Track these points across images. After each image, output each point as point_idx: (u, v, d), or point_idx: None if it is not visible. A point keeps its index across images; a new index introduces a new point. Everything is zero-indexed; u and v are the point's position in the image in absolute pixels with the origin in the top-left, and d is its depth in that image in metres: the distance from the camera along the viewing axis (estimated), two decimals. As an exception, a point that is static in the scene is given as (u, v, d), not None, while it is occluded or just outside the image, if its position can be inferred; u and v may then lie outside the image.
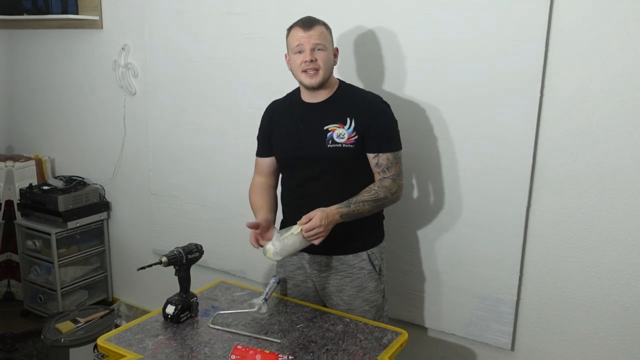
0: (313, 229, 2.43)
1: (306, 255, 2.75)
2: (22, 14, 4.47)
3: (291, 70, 2.65)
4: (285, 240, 2.48)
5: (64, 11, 4.34)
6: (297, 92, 2.77)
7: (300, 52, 2.56)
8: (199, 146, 3.98)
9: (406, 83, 3.08)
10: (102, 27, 4.38)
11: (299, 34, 2.55)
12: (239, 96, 3.72)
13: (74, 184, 4.60)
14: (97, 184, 4.70)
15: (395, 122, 2.69)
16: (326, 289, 2.78)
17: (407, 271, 3.26)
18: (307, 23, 2.56)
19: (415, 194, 3.16)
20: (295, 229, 2.49)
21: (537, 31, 2.71)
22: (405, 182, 3.06)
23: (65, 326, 3.63)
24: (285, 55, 2.67)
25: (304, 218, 2.46)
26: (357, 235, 2.70)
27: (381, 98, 2.72)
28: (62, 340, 3.53)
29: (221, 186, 3.93)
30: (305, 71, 2.57)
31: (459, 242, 3.11)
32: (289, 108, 2.77)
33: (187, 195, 4.12)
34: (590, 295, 2.84)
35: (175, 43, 3.95)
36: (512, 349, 3.08)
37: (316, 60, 2.54)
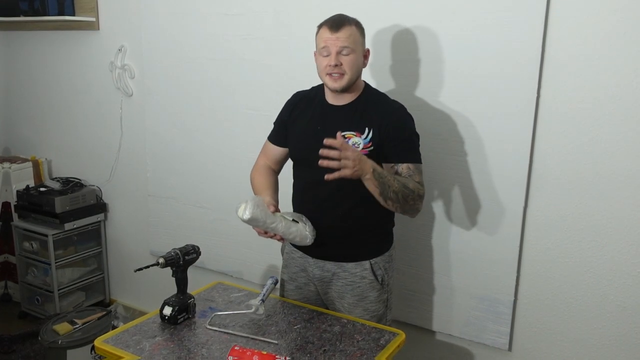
0: (350, 153, 2.27)
1: (310, 259, 2.73)
2: (18, 16, 4.47)
3: (317, 69, 2.56)
4: (264, 213, 2.46)
5: (61, 12, 4.33)
6: (321, 88, 2.69)
7: (326, 54, 2.48)
8: (196, 147, 3.98)
9: (407, 87, 3.08)
10: (98, 29, 4.38)
11: (325, 34, 2.46)
12: (236, 97, 3.71)
13: (71, 185, 4.60)
14: (94, 185, 4.69)
15: (417, 135, 2.61)
16: (328, 294, 2.76)
17: (404, 272, 3.26)
18: (336, 23, 2.45)
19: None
20: (284, 217, 2.50)
21: (533, 33, 2.71)
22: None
23: (63, 327, 3.63)
24: (315, 53, 2.58)
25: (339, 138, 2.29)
26: (361, 243, 2.67)
27: (405, 108, 2.63)
28: (60, 342, 3.53)
29: (218, 187, 3.93)
30: (329, 74, 2.49)
31: (456, 243, 3.11)
32: (310, 106, 2.69)
33: (184, 196, 4.12)
34: (587, 295, 2.84)
35: (172, 44, 3.95)
36: (510, 349, 3.08)
37: (341, 64, 2.45)
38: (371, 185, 2.37)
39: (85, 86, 4.59)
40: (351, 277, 2.68)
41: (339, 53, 2.45)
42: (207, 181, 3.98)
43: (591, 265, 2.80)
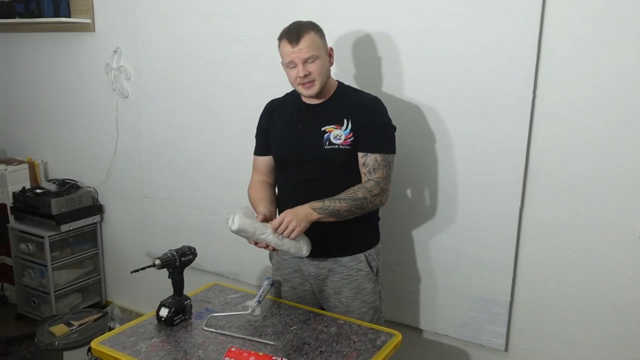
0: (281, 223, 2.43)
1: (304, 259, 2.73)
2: (14, 17, 4.46)
3: (288, 79, 2.62)
4: (252, 223, 2.47)
5: (56, 14, 4.33)
6: (296, 92, 2.73)
7: (293, 66, 2.54)
8: (192, 149, 3.98)
9: (402, 86, 3.08)
10: (94, 30, 4.37)
11: (287, 48, 2.52)
12: (231, 98, 3.71)
13: (67, 187, 4.59)
14: (90, 187, 4.69)
15: (390, 125, 2.66)
16: (324, 291, 2.77)
17: (401, 273, 3.25)
18: (294, 36, 2.51)
19: (409, 196, 3.15)
20: (265, 225, 2.50)
21: (529, 30, 2.71)
22: (399, 184, 3.07)
23: (59, 329, 3.62)
24: (282, 64, 2.64)
25: (274, 222, 2.46)
26: (354, 237, 2.70)
27: (379, 100, 2.68)
28: (56, 344, 3.52)
29: (214, 189, 3.93)
30: (301, 84, 2.56)
31: (452, 244, 3.10)
32: (287, 108, 2.76)
33: (181, 197, 4.11)
34: (583, 295, 2.84)
35: (167, 46, 3.95)
36: (506, 349, 3.08)
37: (310, 73, 2.53)
38: (326, 219, 2.51)
39: (81, 88, 4.58)
40: (347, 270, 2.71)
41: (304, 63, 2.52)
42: (204, 182, 3.97)
43: (587, 265, 2.80)
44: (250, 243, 2.55)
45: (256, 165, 2.88)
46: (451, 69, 2.93)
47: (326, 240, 2.61)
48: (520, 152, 2.82)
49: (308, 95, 2.60)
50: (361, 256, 2.72)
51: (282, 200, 2.79)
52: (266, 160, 2.83)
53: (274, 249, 2.54)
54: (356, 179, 2.63)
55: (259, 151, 2.86)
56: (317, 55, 2.52)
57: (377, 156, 2.58)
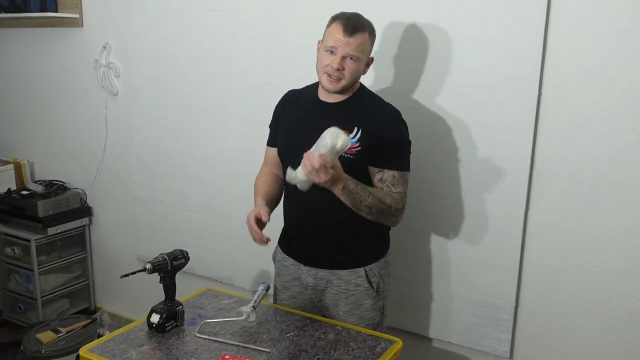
0: (322, 163, 2.27)
1: (303, 267, 2.73)
2: (-1, 12, 4.46)
3: (317, 63, 2.54)
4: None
5: (43, 9, 4.31)
6: (315, 85, 2.68)
7: (331, 52, 2.46)
8: (184, 148, 3.98)
9: (401, 83, 3.09)
10: (82, 25, 4.37)
11: (337, 34, 2.43)
12: (226, 97, 3.71)
13: (54, 188, 4.58)
14: (78, 188, 4.68)
15: (408, 142, 2.60)
16: (323, 302, 2.76)
17: (401, 277, 3.25)
18: (351, 27, 2.42)
19: (411, 198, 3.14)
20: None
21: (534, 31, 2.71)
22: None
23: (46, 336, 3.62)
24: (319, 42, 2.56)
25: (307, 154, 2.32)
26: (354, 249, 2.67)
27: (399, 114, 2.62)
28: (43, 351, 3.52)
29: (208, 190, 3.93)
30: (328, 74, 2.48)
31: (455, 247, 3.11)
32: (301, 101, 2.70)
33: (172, 199, 4.11)
34: (591, 300, 2.84)
35: (159, 41, 3.94)
36: (511, 356, 3.08)
37: (343, 69, 2.45)
38: (342, 198, 2.43)
39: (68, 85, 4.58)
40: (345, 284, 2.68)
41: (344, 57, 2.45)
42: (196, 183, 3.97)
43: (595, 269, 2.80)
44: (254, 238, 2.54)
45: (266, 156, 2.88)
46: (453, 69, 2.94)
47: (325, 249, 2.59)
48: (525, 153, 2.83)
49: (327, 89, 2.52)
50: (360, 271, 2.68)
51: (285, 201, 2.78)
52: (276, 153, 2.79)
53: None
54: None
55: (271, 142, 2.84)
56: (359, 57, 2.46)
57: (395, 173, 2.53)
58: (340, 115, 2.53)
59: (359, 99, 2.60)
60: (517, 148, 2.84)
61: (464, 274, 3.10)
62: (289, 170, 2.41)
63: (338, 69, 2.45)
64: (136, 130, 4.20)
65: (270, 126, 2.85)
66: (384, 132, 2.52)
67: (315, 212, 2.59)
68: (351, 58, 2.44)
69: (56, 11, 4.37)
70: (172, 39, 3.88)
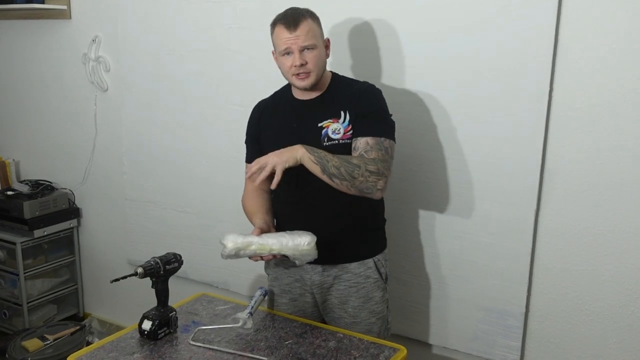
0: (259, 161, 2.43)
1: (306, 265, 2.72)
2: (-17, 3, 4.45)
3: (281, 70, 2.62)
4: (248, 248, 2.45)
5: (29, 0, 4.31)
6: (287, 88, 2.76)
7: (288, 53, 2.53)
8: (177, 147, 3.97)
9: (406, 78, 3.08)
10: (70, 18, 4.37)
11: (284, 34, 2.51)
12: (221, 92, 3.71)
13: (41, 188, 4.58)
14: (66, 188, 4.68)
15: (385, 111, 2.63)
16: (327, 302, 2.77)
17: (406, 282, 3.25)
18: (292, 21, 2.50)
19: (416, 198, 3.15)
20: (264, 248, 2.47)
21: (545, 23, 2.71)
22: (403, 185, 3.06)
23: (33, 344, 3.62)
24: (273, 53, 2.64)
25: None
26: (362, 242, 2.70)
27: (374, 86, 2.68)
28: (29, 359, 3.52)
29: (202, 190, 3.92)
30: (296, 74, 2.54)
31: (462, 250, 3.10)
32: (279, 106, 2.76)
33: (165, 200, 4.11)
34: (606, 306, 2.84)
35: (151, 34, 3.94)
36: (521, 365, 3.08)
37: (306, 63, 2.52)
38: (310, 165, 2.43)
39: (56, 80, 4.58)
40: (355, 278, 2.71)
41: (301, 51, 2.51)
42: (190, 183, 3.97)
43: (609, 274, 2.80)
44: (254, 260, 2.54)
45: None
46: (460, 59, 2.93)
47: (333, 245, 2.59)
48: (536, 151, 2.82)
49: (302, 87, 2.59)
50: (370, 262, 2.72)
51: (278, 203, 2.80)
52: None
53: (281, 256, 2.50)
54: None
55: (250, 158, 2.81)
56: (315, 45, 2.52)
57: (369, 139, 2.53)
58: (324, 107, 2.63)
59: (336, 86, 2.69)
60: (528, 147, 2.83)
61: (472, 278, 3.10)
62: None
63: (302, 64, 2.51)
64: (127, 127, 4.20)
65: (247, 142, 2.88)
66: (361, 104, 2.59)
67: (318, 209, 2.62)
68: (307, 49, 2.51)
69: (43, 2, 4.37)
70: (164, 32, 3.87)
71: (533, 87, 2.78)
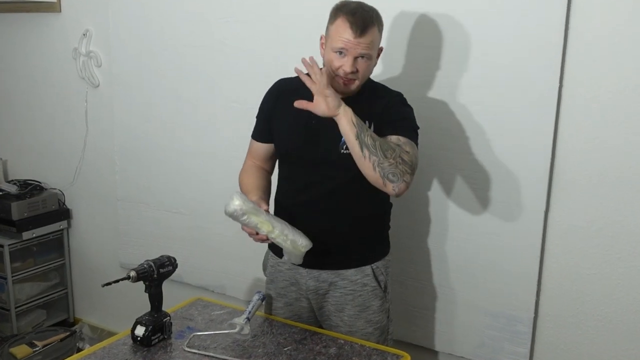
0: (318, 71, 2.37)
1: (302, 270, 2.72)
2: (-31, -4, 4.45)
3: (323, 60, 2.53)
4: (252, 217, 2.42)
5: (17, -8, 4.32)
6: None
7: (340, 53, 2.44)
8: (172, 145, 3.97)
9: (410, 73, 3.08)
10: (60, 10, 4.36)
11: (345, 34, 2.39)
12: (217, 88, 3.71)
13: (30, 189, 4.57)
14: (55, 188, 4.68)
15: (413, 118, 2.59)
16: (324, 308, 2.76)
17: (410, 286, 3.25)
18: (361, 25, 2.38)
19: (420, 199, 3.14)
20: (272, 229, 2.45)
21: (554, 19, 2.71)
22: (411, 185, 3.06)
23: (21, 350, 3.62)
24: (322, 37, 2.55)
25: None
26: (359, 247, 2.68)
27: (403, 96, 2.65)
28: (17, 367, 3.52)
29: (198, 191, 3.92)
30: (340, 77, 2.46)
31: (467, 253, 3.10)
32: (300, 95, 2.53)
33: (159, 200, 4.11)
34: (618, 311, 2.83)
35: (144, 28, 3.94)
36: (529, 373, 3.08)
37: (357, 71, 2.45)
38: (348, 124, 2.36)
39: (45, 76, 4.57)
40: (351, 285, 2.68)
41: (356, 58, 2.43)
42: (185, 184, 3.97)
43: (623, 277, 2.79)
44: (249, 232, 2.50)
45: (252, 150, 2.83)
46: (469, 58, 2.93)
47: (328, 249, 2.59)
48: (545, 148, 2.82)
49: (342, 93, 2.49)
50: (367, 269, 2.70)
51: (283, 201, 2.76)
52: (265, 148, 2.77)
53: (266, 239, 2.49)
54: (374, 192, 2.49)
55: (258, 136, 2.79)
56: (371, 55, 2.45)
57: (400, 137, 2.46)
58: None
59: (370, 92, 2.62)
60: (536, 143, 2.83)
61: (478, 282, 3.09)
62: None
63: (353, 72, 2.44)
64: (119, 125, 4.19)
65: (258, 117, 2.79)
66: (388, 107, 2.56)
67: (321, 212, 2.60)
68: (363, 57, 2.44)
69: (31, -6, 4.38)
70: (157, 26, 3.87)
71: (542, 82, 2.78)
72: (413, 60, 3.06)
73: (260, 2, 3.38)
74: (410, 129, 2.54)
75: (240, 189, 2.72)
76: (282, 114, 2.68)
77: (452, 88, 2.98)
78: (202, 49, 3.71)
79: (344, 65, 2.42)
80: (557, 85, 2.75)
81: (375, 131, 2.45)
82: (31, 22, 4.52)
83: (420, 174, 3.08)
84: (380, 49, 2.55)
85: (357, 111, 2.45)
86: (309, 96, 2.49)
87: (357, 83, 2.48)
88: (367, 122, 2.47)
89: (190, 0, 3.69)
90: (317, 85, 2.35)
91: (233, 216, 2.41)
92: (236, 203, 2.38)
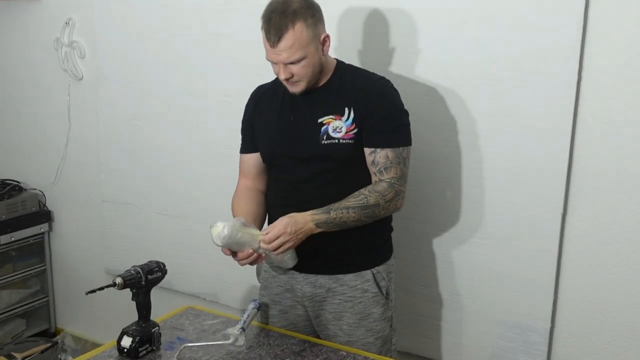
0: (276, 238, 2.42)
1: (297, 275, 2.72)
2: (-57, -18, 4.45)
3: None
4: (239, 236, 2.43)
5: (-5, -22, 4.32)
6: None
7: (274, 64, 2.51)
8: (160, 143, 3.98)
9: (418, 67, 3.07)
10: (41, -2, 4.37)
11: (267, 46, 2.47)
12: (209, 81, 3.71)
13: (8, 189, 4.58)
14: (36, 189, 4.69)
15: (403, 111, 2.63)
16: (321, 317, 2.75)
17: (418, 293, 3.24)
18: (274, 33, 2.42)
19: (427, 199, 3.14)
20: (258, 234, 2.48)
21: (573, 14, 2.70)
22: (415, 185, 3.05)
23: (-2, 363, 3.62)
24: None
25: (268, 227, 2.46)
26: (359, 250, 2.68)
27: (387, 81, 2.65)
28: (-6, 381, 3.52)
29: (188, 191, 3.93)
30: (284, 80, 2.52)
31: (478, 258, 3.10)
32: (276, 95, 2.72)
33: (147, 202, 4.11)
34: (639, 321, 2.82)
35: (131, 17, 3.94)
36: (545, 386, 3.08)
37: (292, 76, 2.50)
38: (323, 229, 2.51)
39: (25, 68, 4.58)
40: (350, 291, 2.68)
41: (287, 65, 2.47)
42: (175, 184, 3.97)
43: (646, 283, 2.79)
44: (226, 254, 2.53)
45: (243, 167, 2.86)
46: (480, 45, 2.92)
47: (325, 253, 2.59)
48: (562, 146, 2.81)
49: (293, 94, 2.57)
50: (367, 274, 2.70)
51: (272, 206, 2.78)
52: (254, 160, 2.81)
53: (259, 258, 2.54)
54: (363, 179, 2.60)
55: (245, 148, 2.84)
56: (302, 56, 2.45)
57: (388, 152, 2.54)
58: (324, 101, 2.60)
59: (340, 77, 2.64)
60: (554, 142, 2.82)
61: (490, 289, 3.09)
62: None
63: (287, 78, 2.50)
64: (104, 121, 4.20)
65: (242, 130, 2.86)
66: (372, 106, 2.57)
67: (320, 205, 2.56)
68: (292, 62, 2.46)
69: (10, -19, 4.38)
70: (145, 14, 3.87)
71: (560, 73, 2.76)
72: (422, 52, 3.05)
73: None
74: (397, 131, 2.59)
75: (232, 212, 2.77)
76: (262, 117, 2.76)
77: (464, 85, 2.98)
78: (194, 39, 3.72)
79: (279, 73, 2.51)
80: (576, 78, 2.73)
81: (355, 117, 2.55)
82: (10, 11, 4.53)
83: (429, 174, 3.08)
84: (325, 37, 2.54)
85: (334, 99, 2.58)
86: (286, 95, 2.65)
87: (303, 83, 2.53)
88: (345, 109, 2.55)
89: (181, -13, 3.70)
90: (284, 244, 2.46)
91: (226, 242, 2.43)
92: (226, 232, 2.41)
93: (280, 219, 2.45)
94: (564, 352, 3.01)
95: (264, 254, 2.51)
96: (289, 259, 2.56)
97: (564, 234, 2.90)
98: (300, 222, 2.45)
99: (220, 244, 2.42)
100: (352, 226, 2.52)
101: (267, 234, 2.43)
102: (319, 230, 2.48)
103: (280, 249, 2.43)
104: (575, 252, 2.90)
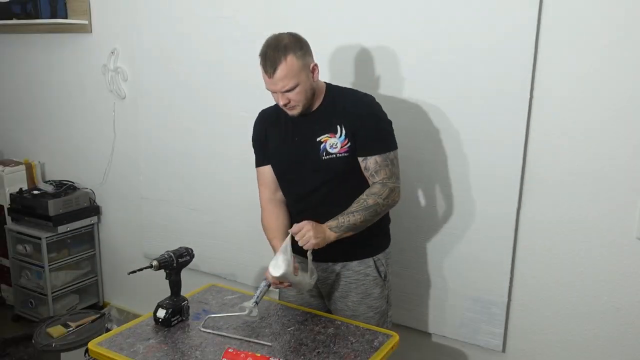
0: (300, 230, 2.42)
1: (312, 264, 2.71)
2: (11, 19, 4.44)
3: None
4: (294, 276, 2.45)
5: (53, 15, 4.31)
6: None
7: (273, 93, 2.51)
8: (189, 150, 3.97)
9: (404, 87, 3.08)
10: (91, 31, 4.36)
11: (265, 78, 2.46)
12: (229, 100, 3.71)
13: (64, 188, 4.58)
14: (87, 188, 4.68)
15: (386, 121, 2.61)
16: (332, 294, 2.76)
17: (399, 274, 3.24)
18: (270, 65, 2.42)
19: (405, 196, 3.14)
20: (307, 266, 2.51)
21: (526, 31, 2.71)
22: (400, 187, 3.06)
23: (57, 330, 3.62)
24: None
25: (295, 227, 2.45)
26: (363, 241, 2.66)
27: (371, 97, 2.63)
28: (53, 345, 3.51)
29: (211, 190, 3.92)
30: (283, 106, 2.51)
31: (450, 245, 3.11)
32: (279, 119, 2.68)
33: (178, 199, 4.11)
34: (580, 295, 2.84)
35: (164, 47, 3.94)
36: (503, 350, 3.08)
37: (289, 101, 2.48)
38: (343, 236, 2.52)
39: (78, 89, 4.57)
40: (355, 275, 2.70)
41: (283, 92, 2.46)
42: (201, 184, 3.97)
43: (585, 265, 2.80)
44: (274, 283, 2.52)
45: (262, 178, 2.80)
46: (448, 68, 2.93)
47: (336, 246, 2.58)
48: (517, 151, 2.82)
49: (292, 116, 2.56)
50: (369, 261, 2.70)
51: (290, 210, 2.77)
52: (270, 170, 2.76)
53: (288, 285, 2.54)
54: (362, 185, 2.57)
55: (261, 161, 2.79)
56: (295, 84, 2.44)
57: (377, 158, 2.53)
58: (320, 122, 2.58)
59: (331, 99, 2.61)
60: (510, 145, 2.84)
61: (460, 270, 3.10)
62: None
63: (285, 104, 2.49)
64: (143, 132, 4.20)
65: (255, 146, 2.81)
66: (361, 121, 2.55)
67: (323, 215, 2.55)
68: (287, 90, 2.45)
69: (66, 17, 4.37)
70: (177, 44, 3.87)
71: (515, 91, 2.78)
72: (405, 76, 3.06)
73: (265, 25, 3.34)
74: (383, 140, 2.58)
75: (265, 232, 2.74)
76: (272, 138, 2.73)
77: (436, 100, 2.98)
78: (217, 65, 3.71)
79: (277, 100, 2.50)
80: (528, 95, 2.75)
81: (347, 133, 2.53)
82: (66, 42, 4.52)
83: (407, 175, 3.08)
84: (314, 66, 2.52)
85: (327, 119, 2.56)
86: (288, 120, 2.63)
87: (299, 107, 2.51)
88: (338, 127, 2.53)
89: (206, 22, 3.70)
90: (310, 237, 2.45)
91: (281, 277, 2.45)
92: (282, 271, 2.43)
93: (303, 222, 2.46)
94: (518, 321, 3.02)
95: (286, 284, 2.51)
96: (312, 279, 2.54)
97: (518, 225, 2.91)
98: (318, 227, 2.45)
99: (277, 275, 2.43)
100: (363, 226, 2.52)
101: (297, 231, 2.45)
102: (334, 235, 2.48)
103: (305, 240, 2.42)
104: (528, 239, 2.91)
